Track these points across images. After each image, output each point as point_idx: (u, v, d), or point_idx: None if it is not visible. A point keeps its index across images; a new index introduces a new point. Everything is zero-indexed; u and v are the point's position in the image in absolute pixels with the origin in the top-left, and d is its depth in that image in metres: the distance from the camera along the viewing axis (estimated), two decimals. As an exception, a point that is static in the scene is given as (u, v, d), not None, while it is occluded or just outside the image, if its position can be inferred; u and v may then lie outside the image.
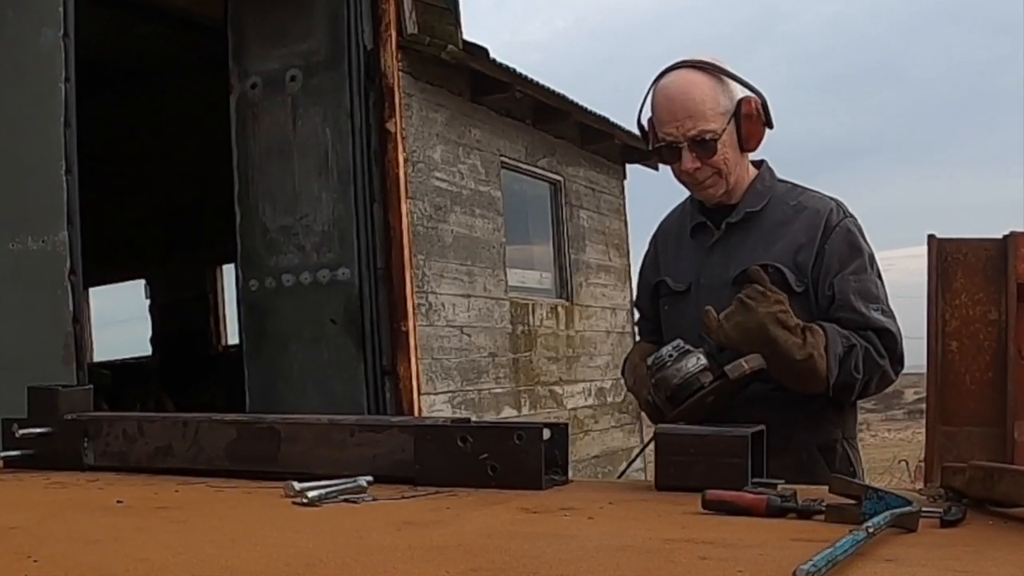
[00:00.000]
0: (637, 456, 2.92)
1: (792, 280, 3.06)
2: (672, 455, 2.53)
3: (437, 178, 9.45)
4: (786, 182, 3.26)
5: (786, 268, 3.07)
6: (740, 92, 3.14)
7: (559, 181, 12.09)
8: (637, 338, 3.65)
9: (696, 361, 2.81)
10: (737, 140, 3.13)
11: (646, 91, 3.19)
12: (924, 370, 2.49)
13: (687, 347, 2.84)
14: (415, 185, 8.89)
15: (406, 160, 8.30)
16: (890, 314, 3.09)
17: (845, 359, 2.96)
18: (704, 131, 3.08)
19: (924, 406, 2.59)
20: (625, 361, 3.39)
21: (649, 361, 2.88)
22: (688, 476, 2.46)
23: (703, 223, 3.25)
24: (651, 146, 3.20)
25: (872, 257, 3.14)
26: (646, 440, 3.15)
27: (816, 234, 3.10)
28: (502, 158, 10.71)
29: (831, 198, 3.20)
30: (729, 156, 3.12)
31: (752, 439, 2.48)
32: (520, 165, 11.20)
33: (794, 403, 2.99)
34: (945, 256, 2.51)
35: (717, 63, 3.15)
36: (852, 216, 3.17)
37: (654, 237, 3.49)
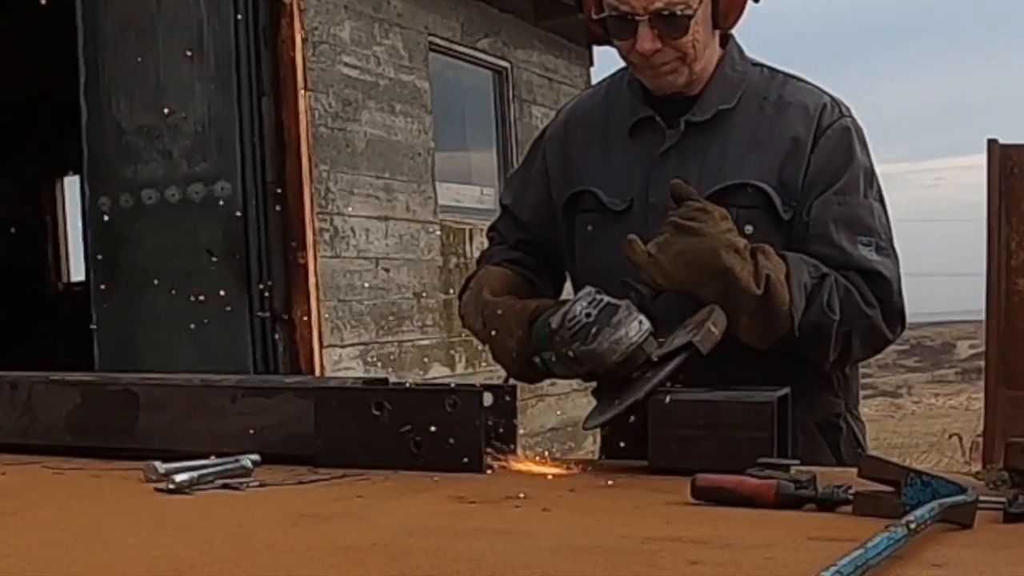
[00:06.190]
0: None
1: (778, 204, 3.02)
2: (673, 428, 2.52)
3: (346, 64, 9.38)
4: (761, 66, 3.21)
5: (770, 187, 3.03)
6: None
7: (505, 68, 12.05)
8: (489, 252, 3.45)
9: (639, 326, 2.69)
10: (712, 15, 3.07)
11: None
12: (983, 317, 2.49)
13: (606, 298, 2.73)
14: (316, 73, 8.83)
15: (305, 40, 8.24)
16: (887, 252, 3.02)
17: (815, 293, 2.87)
18: (673, 3, 2.99)
19: (983, 364, 2.60)
20: (465, 291, 3.24)
21: (554, 323, 2.76)
22: (694, 455, 2.45)
23: (650, 118, 3.17)
24: (591, 14, 3.12)
25: (871, 173, 3.08)
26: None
27: (807, 139, 3.05)
28: (431, 38, 10.65)
29: (823, 91, 3.15)
30: (700, 36, 3.05)
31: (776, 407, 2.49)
32: (454, 47, 11.14)
33: (786, 363, 2.88)
34: (1011, 167, 2.51)
35: None
36: (852, 117, 3.13)
37: (565, 123, 3.38)
